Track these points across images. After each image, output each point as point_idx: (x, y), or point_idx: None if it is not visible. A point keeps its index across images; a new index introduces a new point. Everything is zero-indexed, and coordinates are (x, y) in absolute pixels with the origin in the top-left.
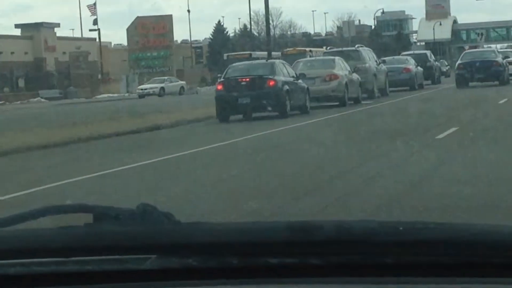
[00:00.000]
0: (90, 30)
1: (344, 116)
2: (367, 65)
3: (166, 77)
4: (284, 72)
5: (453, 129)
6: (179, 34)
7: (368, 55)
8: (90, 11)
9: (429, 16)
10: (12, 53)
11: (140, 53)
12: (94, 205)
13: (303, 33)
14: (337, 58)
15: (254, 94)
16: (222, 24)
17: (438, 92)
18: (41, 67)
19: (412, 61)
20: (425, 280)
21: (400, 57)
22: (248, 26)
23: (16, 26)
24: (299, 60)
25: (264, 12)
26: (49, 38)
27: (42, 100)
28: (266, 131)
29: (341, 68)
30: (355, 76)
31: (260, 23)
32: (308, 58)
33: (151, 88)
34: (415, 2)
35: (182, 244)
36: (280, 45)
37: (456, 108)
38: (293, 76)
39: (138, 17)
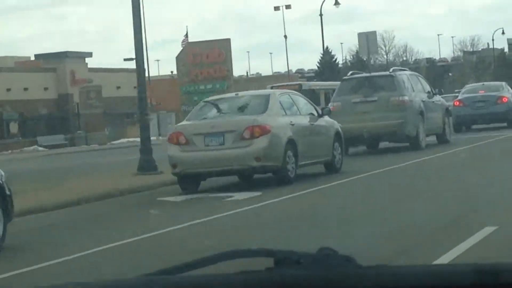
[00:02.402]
0: (125, 59)
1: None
2: (405, 98)
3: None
4: None
5: None
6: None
7: (412, 83)
8: (182, 44)
9: None
10: (25, 89)
11: (192, 86)
12: (276, 249)
13: (426, 58)
14: (278, 92)
15: None
16: (330, 51)
17: None
18: (66, 105)
19: (509, 89)
20: None
21: (493, 83)
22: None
23: (37, 56)
24: (208, 99)
25: (378, 37)
26: (77, 69)
27: (40, 148)
28: None
29: (279, 111)
30: (322, 122)
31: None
32: (222, 96)
33: None
34: None
35: None
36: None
37: None
38: None
39: (188, 43)
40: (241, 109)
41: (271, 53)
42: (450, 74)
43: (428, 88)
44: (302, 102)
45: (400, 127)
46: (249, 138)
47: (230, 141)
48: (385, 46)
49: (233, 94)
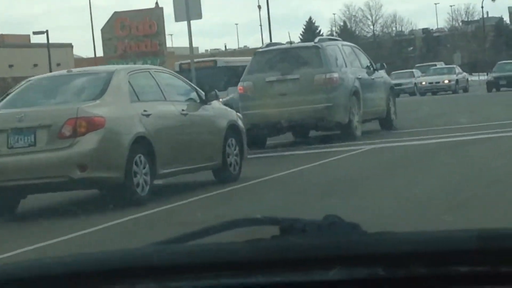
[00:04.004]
0: (35, 33)
1: None
2: (334, 75)
3: None
4: None
5: None
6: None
7: (344, 57)
8: None
9: None
10: None
11: (120, 62)
12: (281, 217)
13: (422, 29)
14: (129, 69)
15: None
16: (313, 22)
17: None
18: None
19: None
20: None
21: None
22: (349, 24)
23: None
24: (31, 79)
25: (360, 5)
26: None
27: None
28: None
29: (126, 96)
30: (206, 111)
31: (353, 19)
32: (49, 74)
33: None
34: None
35: (369, 254)
36: (389, 43)
37: None
38: None
39: (115, 13)
40: (69, 93)
41: (260, 26)
42: (448, 45)
43: (367, 62)
44: (173, 83)
45: (327, 112)
46: (70, 136)
47: (43, 141)
48: (371, 16)
49: (64, 72)
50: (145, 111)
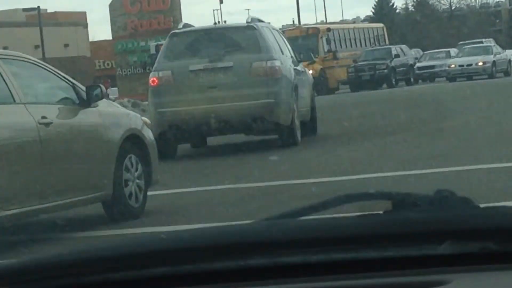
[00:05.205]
0: (25, 10)
1: None
2: (276, 63)
3: None
4: None
5: None
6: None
7: (278, 42)
8: None
9: None
10: None
11: (130, 42)
12: (394, 192)
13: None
14: None
15: None
16: None
17: None
18: None
19: None
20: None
21: None
22: None
23: None
24: None
25: None
26: None
27: None
28: None
29: None
30: (90, 117)
31: None
32: None
33: None
34: None
35: (481, 228)
36: (471, 17)
37: None
38: None
39: None
40: None
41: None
42: None
43: (291, 51)
44: (33, 76)
45: (268, 110)
46: None
47: None
48: None
49: None
50: None
